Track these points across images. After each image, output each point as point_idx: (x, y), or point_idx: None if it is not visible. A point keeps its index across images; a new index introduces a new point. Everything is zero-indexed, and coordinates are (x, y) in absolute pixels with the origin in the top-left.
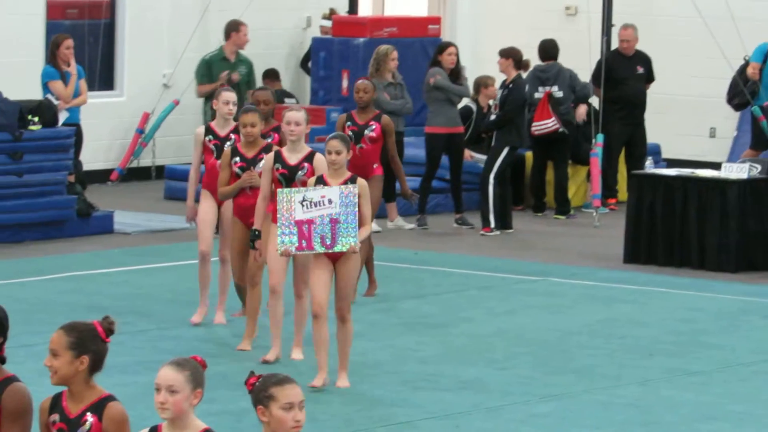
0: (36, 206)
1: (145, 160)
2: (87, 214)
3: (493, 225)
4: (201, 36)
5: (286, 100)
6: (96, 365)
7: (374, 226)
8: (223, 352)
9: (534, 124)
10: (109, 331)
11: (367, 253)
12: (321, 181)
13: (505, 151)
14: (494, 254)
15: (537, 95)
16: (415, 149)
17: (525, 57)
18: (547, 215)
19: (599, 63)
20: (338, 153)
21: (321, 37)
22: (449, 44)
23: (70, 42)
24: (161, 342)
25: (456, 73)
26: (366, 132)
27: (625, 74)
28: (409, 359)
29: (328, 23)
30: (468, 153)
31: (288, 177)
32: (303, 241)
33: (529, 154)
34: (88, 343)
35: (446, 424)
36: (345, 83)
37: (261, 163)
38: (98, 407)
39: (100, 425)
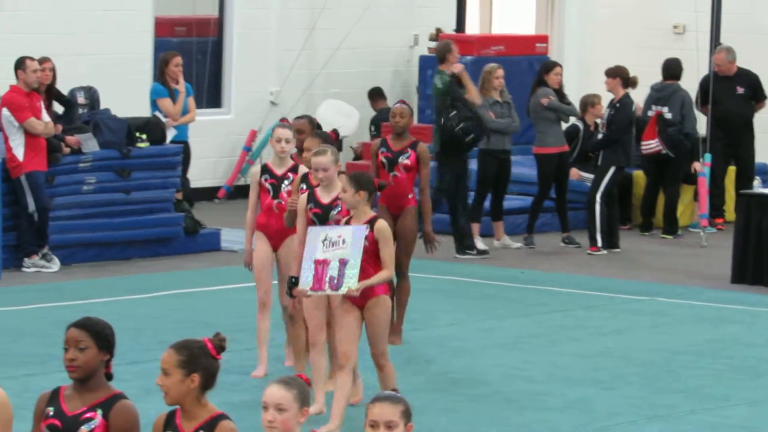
0: (143, 223)
1: None
2: (194, 232)
3: (600, 244)
4: (308, 53)
5: None
6: (207, 383)
7: (480, 244)
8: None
9: (642, 142)
10: (220, 348)
11: (403, 292)
12: (347, 223)
13: (612, 170)
14: (601, 274)
15: (650, 113)
16: (521, 168)
17: (632, 74)
18: (654, 234)
19: (701, 83)
20: (344, 191)
21: (428, 56)
22: (555, 64)
23: (178, 59)
24: (268, 360)
25: (561, 93)
26: (400, 159)
27: (724, 95)
28: (515, 378)
29: (434, 44)
30: (575, 172)
31: (321, 216)
32: (316, 282)
33: (636, 173)
34: (199, 360)
35: None
36: None
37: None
38: (211, 426)
39: None
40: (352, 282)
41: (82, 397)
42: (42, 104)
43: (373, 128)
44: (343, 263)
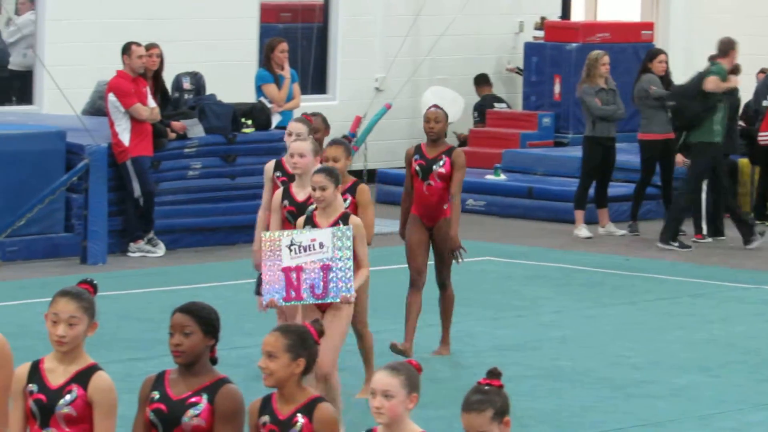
0: (248, 209)
1: (357, 164)
2: None
3: (705, 231)
4: (413, 40)
5: (497, 105)
6: (309, 367)
7: (585, 231)
8: (428, 358)
9: (759, 134)
10: (321, 333)
11: (447, 302)
12: (311, 221)
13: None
14: (706, 261)
15: (765, 103)
16: (626, 155)
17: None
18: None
19: None
20: (323, 189)
21: (533, 42)
22: (660, 51)
23: (284, 45)
24: (375, 346)
25: (667, 80)
26: (434, 167)
27: None
28: (621, 365)
29: (541, 33)
30: (681, 159)
31: (296, 215)
32: (291, 291)
33: (742, 161)
34: (304, 345)
35: None
36: (557, 88)
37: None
38: (309, 408)
39: (311, 426)
40: (346, 289)
41: (187, 382)
42: (148, 90)
43: (476, 114)
44: (326, 268)
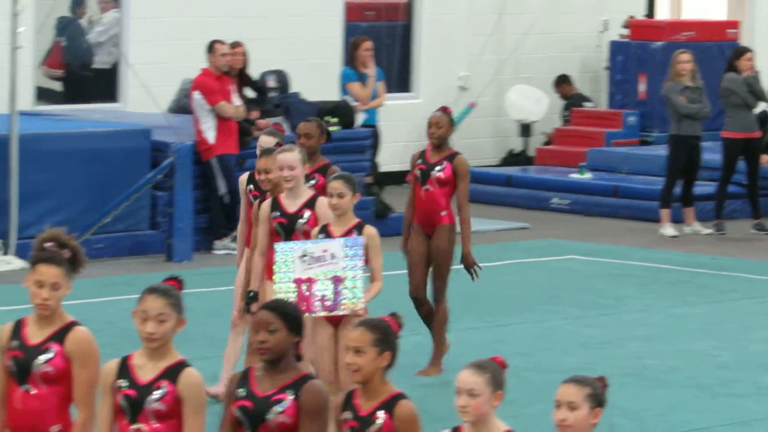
0: None
1: None
2: (384, 216)
3: None
4: (497, 39)
5: (584, 104)
6: (393, 362)
7: (670, 230)
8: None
9: None
10: (401, 325)
11: (439, 318)
12: (325, 230)
13: None
14: None
15: None
16: (712, 154)
17: None
18: None
19: None
20: (341, 196)
21: (619, 41)
22: (746, 49)
23: (369, 44)
24: (456, 344)
25: (754, 79)
26: (433, 172)
27: None
28: (707, 364)
29: (626, 31)
30: (766, 159)
31: (287, 227)
32: (303, 303)
33: None
34: (390, 339)
35: (744, 431)
36: (642, 87)
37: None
38: (389, 405)
39: (392, 423)
40: (357, 299)
41: (273, 379)
42: (233, 88)
43: (566, 113)
44: (337, 280)
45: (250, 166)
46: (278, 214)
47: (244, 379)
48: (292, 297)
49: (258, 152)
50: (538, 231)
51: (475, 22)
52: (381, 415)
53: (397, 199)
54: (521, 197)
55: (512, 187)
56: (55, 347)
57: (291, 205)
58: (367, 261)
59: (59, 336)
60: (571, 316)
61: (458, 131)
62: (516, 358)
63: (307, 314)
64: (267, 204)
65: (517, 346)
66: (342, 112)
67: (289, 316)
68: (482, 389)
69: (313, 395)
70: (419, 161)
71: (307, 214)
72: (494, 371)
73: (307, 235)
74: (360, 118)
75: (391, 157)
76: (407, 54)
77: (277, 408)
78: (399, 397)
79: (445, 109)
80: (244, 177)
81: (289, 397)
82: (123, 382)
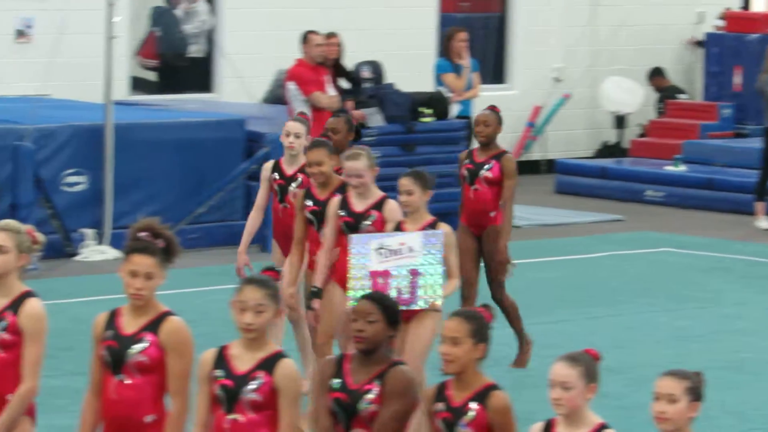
0: None
1: (535, 154)
2: None
3: None
4: (592, 30)
5: (679, 96)
6: (486, 353)
7: (765, 223)
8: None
9: None
10: (492, 318)
11: (510, 312)
12: (398, 228)
13: None
14: None
15: None
16: None
17: None
18: None
19: None
20: (409, 193)
21: (714, 33)
22: None
23: (463, 35)
24: (551, 336)
25: None
26: (482, 171)
27: None
28: None
29: (722, 23)
30: None
31: (352, 226)
32: None
33: None
34: (485, 330)
35: None
36: (738, 79)
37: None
38: (482, 396)
39: (485, 414)
40: (436, 295)
41: (366, 370)
42: (327, 78)
43: (661, 106)
44: (415, 274)
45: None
46: (345, 212)
47: (337, 369)
48: (366, 289)
49: (284, 140)
50: (632, 223)
51: (570, 13)
52: (474, 405)
53: None
54: (615, 189)
55: (606, 179)
56: (149, 337)
57: (359, 205)
58: (443, 257)
59: (154, 326)
60: (665, 309)
61: (552, 123)
62: (610, 350)
63: None
64: (336, 202)
65: (611, 339)
66: (436, 103)
67: (390, 309)
68: (575, 382)
69: (395, 379)
70: (466, 161)
71: (373, 215)
72: (587, 364)
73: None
74: (454, 110)
75: None
76: (502, 45)
77: (368, 397)
78: (493, 387)
79: (493, 108)
80: (269, 164)
81: (377, 387)
82: (219, 372)
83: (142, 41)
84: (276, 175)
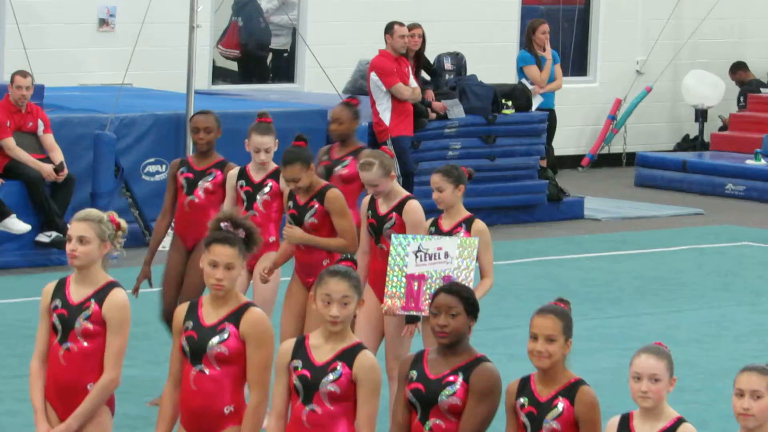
0: (507, 190)
1: (616, 147)
2: (558, 199)
3: None
4: (675, 23)
5: (761, 90)
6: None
7: None
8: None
9: None
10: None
11: None
12: (435, 224)
13: None
14: None
15: None
16: None
17: None
18: None
19: None
20: (440, 190)
21: None
22: None
23: (546, 27)
24: (630, 329)
25: None
26: (337, 169)
27: None
28: None
29: None
30: None
31: (376, 228)
32: (411, 301)
33: None
34: (572, 326)
35: None
36: None
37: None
38: (570, 391)
39: (572, 409)
40: None
41: (447, 361)
42: (410, 70)
43: (742, 99)
44: (447, 280)
45: (424, 147)
46: (371, 214)
47: (417, 361)
48: (401, 292)
49: (255, 157)
50: (712, 217)
51: (652, 6)
52: (561, 401)
53: (572, 183)
54: (696, 183)
55: (687, 173)
56: (230, 328)
57: (383, 207)
58: (477, 257)
59: (234, 317)
60: (744, 303)
61: (633, 116)
62: (689, 344)
63: (416, 313)
64: (366, 201)
65: (690, 333)
66: (518, 95)
67: (469, 300)
68: (663, 374)
69: (483, 378)
70: (325, 157)
71: (393, 218)
72: (669, 356)
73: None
74: (536, 102)
75: (566, 141)
76: (584, 38)
77: (448, 390)
78: (580, 383)
79: (349, 101)
80: (234, 172)
81: (460, 379)
82: (298, 363)
83: (224, 31)
84: (242, 182)
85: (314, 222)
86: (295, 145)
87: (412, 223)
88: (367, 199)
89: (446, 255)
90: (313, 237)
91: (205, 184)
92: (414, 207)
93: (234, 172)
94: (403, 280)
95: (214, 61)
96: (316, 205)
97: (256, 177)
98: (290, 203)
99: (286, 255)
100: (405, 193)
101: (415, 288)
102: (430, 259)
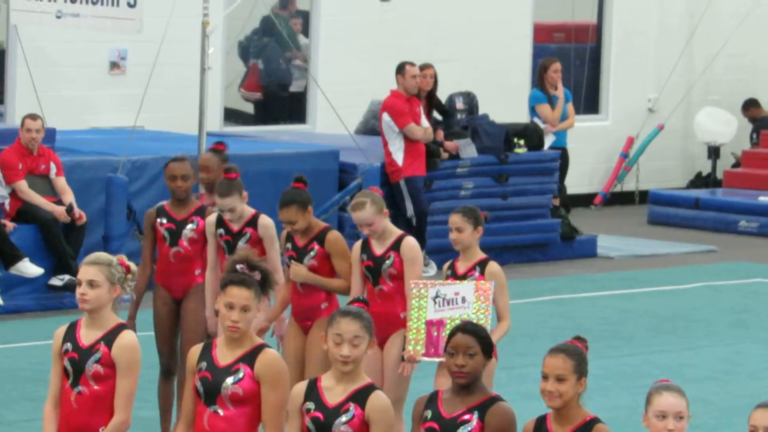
0: (520, 229)
1: (628, 185)
2: (571, 238)
3: None
4: (686, 61)
5: None
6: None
7: None
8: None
9: None
10: (587, 350)
11: None
12: (452, 267)
13: None
14: None
15: None
16: None
17: None
18: None
19: None
20: (459, 230)
21: None
22: None
23: (557, 65)
24: (645, 367)
25: None
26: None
27: None
28: None
29: None
30: None
31: (374, 270)
32: (431, 347)
33: None
34: (584, 364)
35: None
36: None
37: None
38: (584, 430)
39: None
40: None
41: (462, 400)
42: (422, 110)
43: (755, 136)
44: None
45: (437, 187)
46: (366, 256)
47: (431, 401)
48: (421, 339)
49: (225, 215)
50: (725, 254)
51: (664, 44)
52: None
53: (584, 221)
54: (709, 220)
55: (700, 210)
56: (244, 369)
57: (378, 248)
58: (493, 300)
59: (249, 358)
60: (759, 340)
61: (646, 153)
62: (703, 381)
63: (438, 360)
64: (358, 246)
65: (705, 370)
66: (530, 133)
67: (485, 339)
68: (686, 412)
69: (498, 416)
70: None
71: (392, 256)
72: (685, 393)
73: (393, 278)
74: (548, 140)
75: (579, 179)
76: (596, 76)
77: (464, 429)
78: (595, 421)
79: (217, 147)
80: (212, 218)
81: (475, 419)
82: (311, 405)
83: (245, 74)
84: (221, 231)
85: (314, 264)
86: (293, 187)
87: (411, 260)
88: (358, 243)
89: (463, 300)
90: (318, 276)
91: (189, 234)
92: (411, 244)
93: (212, 219)
94: (423, 326)
95: (225, 103)
96: (317, 247)
97: (235, 226)
98: (288, 245)
99: (285, 304)
100: (399, 231)
101: (434, 334)
102: (449, 304)
